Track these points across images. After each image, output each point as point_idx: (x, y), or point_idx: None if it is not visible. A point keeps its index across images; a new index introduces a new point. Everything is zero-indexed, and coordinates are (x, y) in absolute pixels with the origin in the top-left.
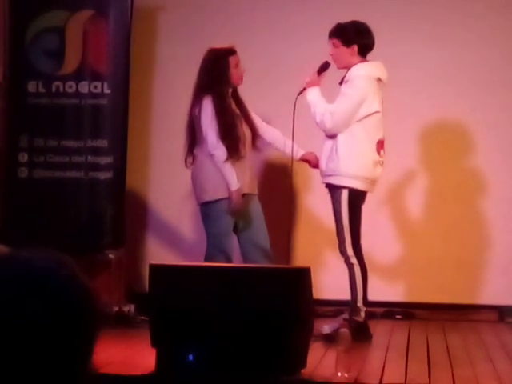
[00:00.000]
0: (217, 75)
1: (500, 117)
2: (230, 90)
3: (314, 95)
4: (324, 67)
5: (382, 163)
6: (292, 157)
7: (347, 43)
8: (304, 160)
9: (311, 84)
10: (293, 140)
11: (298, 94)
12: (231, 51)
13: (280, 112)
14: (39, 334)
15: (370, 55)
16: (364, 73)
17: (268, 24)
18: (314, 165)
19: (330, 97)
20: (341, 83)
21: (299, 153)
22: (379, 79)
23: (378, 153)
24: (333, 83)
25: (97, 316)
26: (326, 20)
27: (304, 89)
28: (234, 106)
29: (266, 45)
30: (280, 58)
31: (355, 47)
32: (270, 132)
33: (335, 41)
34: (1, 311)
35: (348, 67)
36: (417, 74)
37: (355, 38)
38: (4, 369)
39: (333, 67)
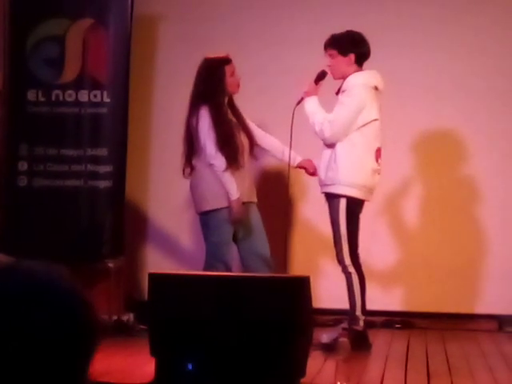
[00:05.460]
0: (213, 85)
1: (494, 125)
2: (226, 99)
3: (312, 105)
4: (321, 76)
5: (379, 171)
6: (289, 164)
7: (344, 52)
8: (301, 167)
9: (309, 94)
10: (290, 149)
11: (297, 104)
12: (226, 60)
13: (278, 121)
14: (38, 345)
15: (365, 65)
16: (361, 81)
17: (267, 34)
18: (311, 172)
19: (327, 106)
20: (337, 93)
21: (296, 160)
22: (376, 87)
23: (376, 161)
24: (330, 93)
25: (95, 329)
26: (324, 30)
27: (302, 99)
28: (230, 114)
29: (264, 55)
30: (279, 67)
31: (352, 56)
32: (266, 139)
33: (332, 51)
34: (0, 323)
35: (344, 77)
36: (411, 83)
37: (351, 47)
38: (2, 379)
39: (329, 77)
